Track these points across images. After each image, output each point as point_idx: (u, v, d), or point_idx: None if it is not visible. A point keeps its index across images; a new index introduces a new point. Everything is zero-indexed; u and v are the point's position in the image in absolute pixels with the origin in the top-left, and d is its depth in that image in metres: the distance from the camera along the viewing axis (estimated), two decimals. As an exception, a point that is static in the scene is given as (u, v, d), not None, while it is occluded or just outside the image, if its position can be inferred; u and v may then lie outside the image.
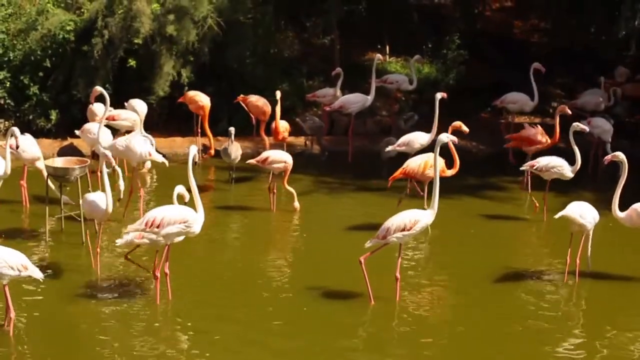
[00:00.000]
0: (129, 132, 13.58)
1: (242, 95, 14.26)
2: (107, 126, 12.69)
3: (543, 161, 11.21)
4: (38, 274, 7.94)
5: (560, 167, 11.08)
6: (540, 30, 19.30)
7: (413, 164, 10.98)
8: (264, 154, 11.99)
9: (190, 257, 9.84)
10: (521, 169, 11.59)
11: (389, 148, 12.60)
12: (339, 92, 14.96)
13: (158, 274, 8.62)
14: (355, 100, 14.52)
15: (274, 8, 16.36)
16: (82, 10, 14.91)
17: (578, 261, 9.44)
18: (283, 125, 13.70)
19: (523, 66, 14.74)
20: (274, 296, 9.03)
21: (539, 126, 12.77)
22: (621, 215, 9.50)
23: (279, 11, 16.76)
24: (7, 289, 7.79)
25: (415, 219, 8.67)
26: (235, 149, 12.92)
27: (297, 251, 10.65)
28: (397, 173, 11.12)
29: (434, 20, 18.17)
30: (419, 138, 12.21)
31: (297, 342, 8.00)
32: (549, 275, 9.69)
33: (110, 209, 9.28)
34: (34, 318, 8.31)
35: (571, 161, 11.01)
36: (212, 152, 13.61)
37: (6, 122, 14.66)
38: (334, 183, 13.25)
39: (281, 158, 11.80)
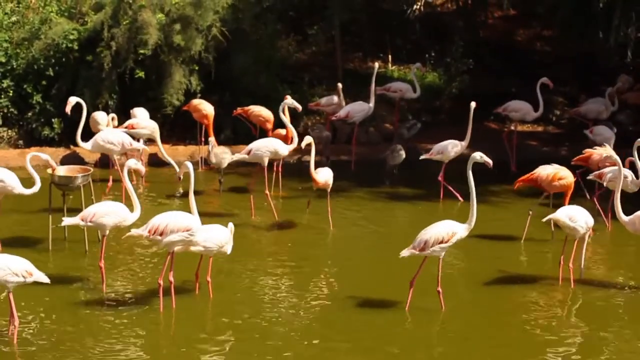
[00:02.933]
0: (151, 140, 13.53)
1: (239, 108, 14.22)
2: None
3: (608, 171, 11.08)
4: (44, 279, 7.96)
5: (626, 178, 10.72)
6: (544, 38, 19.31)
7: (543, 172, 10.87)
8: None
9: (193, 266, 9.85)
10: (588, 178, 11.51)
11: (423, 156, 12.81)
12: (342, 101, 14.93)
13: (161, 282, 8.62)
14: (360, 109, 14.54)
15: (276, 17, 16.38)
16: (86, 19, 14.94)
17: (571, 266, 9.44)
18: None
19: (526, 74, 14.76)
20: (276, 304, 9.06)
21: (607, 146, 11.88)
22: (625, 219, 9.49)
23: (282, 19, 16.79)
24: (11, 296, 7.80)
25: (453, 231, 8.54)
26: (215, 154, 12.85)
27: (301, 259, 10.62)
28: (525, 177, 11.02)
29: (437, 29, 18.19)
30: (454, 146, 12.46)
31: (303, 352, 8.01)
32: (555, 282, 9.69)
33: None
34: (38, 326, 8.32)
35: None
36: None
37: (9, 131, 14.70)
38: (337, 191, 13.18)
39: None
